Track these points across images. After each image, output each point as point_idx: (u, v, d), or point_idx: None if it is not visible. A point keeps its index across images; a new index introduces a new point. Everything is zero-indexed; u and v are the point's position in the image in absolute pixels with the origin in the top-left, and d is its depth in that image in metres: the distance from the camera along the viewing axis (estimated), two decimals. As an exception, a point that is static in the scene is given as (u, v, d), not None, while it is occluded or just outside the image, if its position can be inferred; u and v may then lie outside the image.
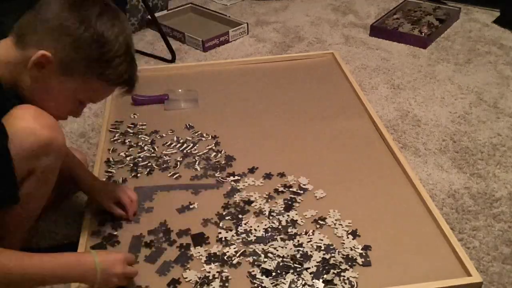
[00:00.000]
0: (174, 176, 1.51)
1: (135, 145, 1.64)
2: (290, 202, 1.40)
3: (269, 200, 1.41)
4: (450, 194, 1.51)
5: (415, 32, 2.37)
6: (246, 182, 1.48)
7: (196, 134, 1.68)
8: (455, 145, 1.71)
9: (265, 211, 1.38)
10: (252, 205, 1.40)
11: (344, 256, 1.24)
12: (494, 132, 1.76)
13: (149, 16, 2.41)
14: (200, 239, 1.30)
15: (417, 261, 1.24)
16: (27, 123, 1.04)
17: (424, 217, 1.36)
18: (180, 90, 1.89)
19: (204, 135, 1.68)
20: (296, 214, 1.37)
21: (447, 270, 1.21)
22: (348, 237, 1.29)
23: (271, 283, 1.18)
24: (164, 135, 1.68)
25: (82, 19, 1.06)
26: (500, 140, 1.73)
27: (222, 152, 1.60)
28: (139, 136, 1.67)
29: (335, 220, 1.35)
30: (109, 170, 1.54)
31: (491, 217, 1.44)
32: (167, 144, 1.64)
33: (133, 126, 1.73)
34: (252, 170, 1.53)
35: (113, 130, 1.70)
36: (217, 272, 1.21)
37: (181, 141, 1.65)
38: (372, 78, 2.08)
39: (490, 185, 1.54)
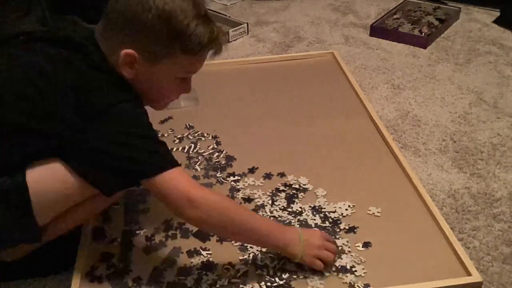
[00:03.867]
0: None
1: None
2: (291, 198, 1.41)
3: (272, 197, 1.43)
4: (450, 194, 1.52)
5: (415, 32, 2.38)
6: (246, 182, 1.48)
7: (196, 134, 1.68)
8: (455, 145, 1.71)
9: (266, 204, 1.40)
10: (255, 201, 1.41)
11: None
12: (494, 132, 1.76)
13: (149, 16, 2.41)
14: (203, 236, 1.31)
15: (417, 260, 1.24)
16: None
17: (424, 217, 1.36)
18: None
19: (205, 134, 1.68)
20: (300, 207, 1.38)
21: (447, 269, 1.22)
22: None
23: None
24: (165, 135, 1.68)
25: (141, 4, 1.06)
26: (500, 140, 1.73)
27: (224, 152, 1.60)
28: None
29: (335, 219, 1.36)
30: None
31: (491, 217, 1.44)
32: (167, 144, 1.64)
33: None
34: (252, 170, 1.53)
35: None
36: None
37: (181, 141, 1.65)
38: (372, 78, 2.08)
39: (490, 185, 1.55)
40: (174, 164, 1.10)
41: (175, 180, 1.08)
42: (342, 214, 1.37)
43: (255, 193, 1.44)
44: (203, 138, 1.66)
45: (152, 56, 1.11)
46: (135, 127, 1.08)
